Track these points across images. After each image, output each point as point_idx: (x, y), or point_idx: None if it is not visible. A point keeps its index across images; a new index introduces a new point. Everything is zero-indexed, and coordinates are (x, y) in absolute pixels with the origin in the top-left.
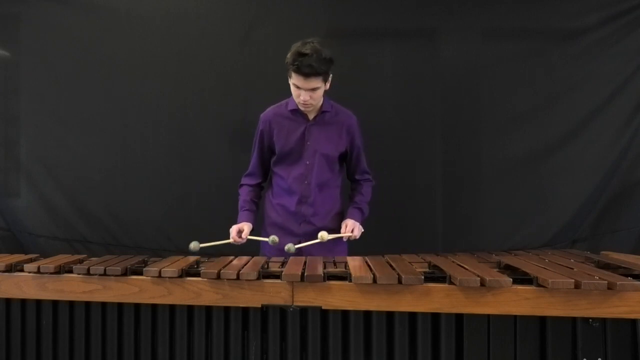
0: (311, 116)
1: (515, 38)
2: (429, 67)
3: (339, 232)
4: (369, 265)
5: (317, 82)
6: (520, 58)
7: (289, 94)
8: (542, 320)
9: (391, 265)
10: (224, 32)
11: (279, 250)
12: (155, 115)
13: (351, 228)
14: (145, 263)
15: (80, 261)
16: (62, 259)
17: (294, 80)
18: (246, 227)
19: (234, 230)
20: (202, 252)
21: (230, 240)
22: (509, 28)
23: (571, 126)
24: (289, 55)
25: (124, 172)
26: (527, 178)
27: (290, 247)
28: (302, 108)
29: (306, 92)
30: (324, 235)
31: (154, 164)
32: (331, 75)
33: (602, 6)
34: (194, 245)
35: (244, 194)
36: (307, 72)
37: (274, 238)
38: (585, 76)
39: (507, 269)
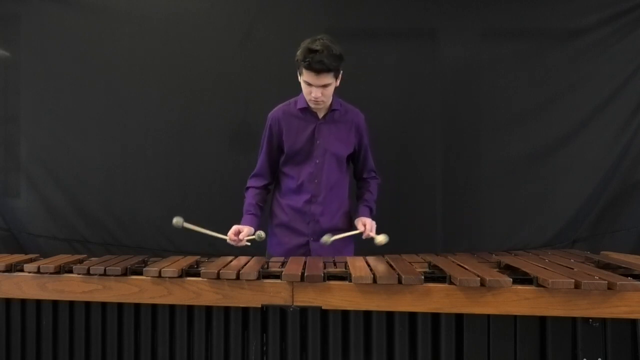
0: (321, 114)
1: (515, 38)
2: (429, 67)
3: (347, 231)
4: (369, 265)
5: (328, 79)
6: (520, 58)
7: (289, 94)
8: (542, 320)
9: (391, 265)
10: (224, 32)
11: (286, 251)
12: (155, 116)
13: (370, 228)
14: (145, 263)
15: (80, 261)
16: (62, 259)
17: (305, 77)
18: (246, 229)
19: (232, 230)
20: (184, 230)
21: (226, 238)
22: (508, 28)
23: (571, 126)
24: (299, 52)
25: (124, 172)
26: (527, 178)
27: (326, 239)
28: (312, 105)
29: (317, 89)
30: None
31: (154, 164)
32: (342, 71)
33: (602, 6)
34: (176, 220)
35: (250, 198)
36: (318, 69)
37: (260, 233)
38: (585, 76)
39: (507, 269)
